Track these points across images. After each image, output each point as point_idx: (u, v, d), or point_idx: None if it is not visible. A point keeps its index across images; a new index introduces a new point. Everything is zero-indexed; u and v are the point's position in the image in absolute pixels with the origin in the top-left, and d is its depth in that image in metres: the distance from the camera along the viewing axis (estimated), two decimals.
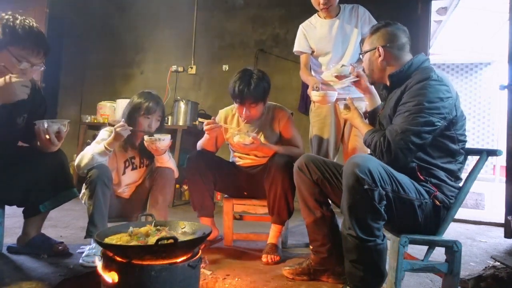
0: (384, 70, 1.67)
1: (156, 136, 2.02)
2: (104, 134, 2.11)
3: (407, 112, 1.46)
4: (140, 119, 2.09)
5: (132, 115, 2.10)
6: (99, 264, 1.28)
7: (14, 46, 1.64)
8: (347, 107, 1.79)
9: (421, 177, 1.48)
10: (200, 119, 2.29)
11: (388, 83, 1.69)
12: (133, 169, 2.19)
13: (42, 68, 1.77)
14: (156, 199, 2.09)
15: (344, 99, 1.84)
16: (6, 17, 1.67)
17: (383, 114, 1.67)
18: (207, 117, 2.26)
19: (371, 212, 1.35)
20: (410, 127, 1.43)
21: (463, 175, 1.56)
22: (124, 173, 2.16)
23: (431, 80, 1.47)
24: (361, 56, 1.78)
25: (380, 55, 1.64)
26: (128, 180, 2.19)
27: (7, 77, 1.59)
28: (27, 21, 1.70)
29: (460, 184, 1.56)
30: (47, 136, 1.73)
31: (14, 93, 1.61)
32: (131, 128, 2.00)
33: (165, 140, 2.02)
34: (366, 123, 1.76)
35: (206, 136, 2.29)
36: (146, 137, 2.02)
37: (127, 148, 2.14)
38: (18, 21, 1.67)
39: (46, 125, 1.72)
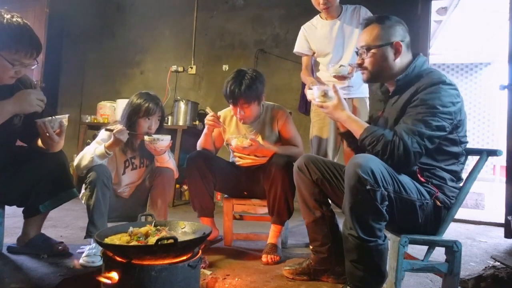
0: (394, 68, 1.56)
1: (156, 136, 2.02)
2: (104, 134, 2.12)
3: (420, 114, 1.41)
4: (141, 121, 2.09)
5: (132, 117, 2.09)
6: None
7: (6, 51, 1.58)
8: (324, 94, 1.56)
9: (422, 179, 1.48)
10: (208, 109, 2.29)
11: (387, 84, 1.65)
12: (133, 169, 2.19)
13: (35, 65, 1.70)
14: (155, 200, 2.09)
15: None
16: None
17: (384, 117, 1.62)
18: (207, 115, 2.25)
19: (372, 213, 1.35)
20: (425, 131, 1.39)
21: (463, 175, 1.57)
22: (124, 173, 2.16)
23: (445, 84, 1.44)
24: (364, 50, 1.58)
25: (397, 52, 1.54)
26: (128, 180, 2.19)
27: (26, 91, 1.59)
28: (14, 19, 1.60)
29: (461, 184, 1.55)
30: (47, 134, 1.71)
31: (31, 106, 1.62)
32: (129, 131, 2.00)
33: (164, 140, 2.02)
34: (355, 117, 1.57)
35: (204, 132, 2.31)
36: (146, 137, 2.02)
37: (127, 149, 2.14)
38: (5, 21, 1.58)
39: (45, 122, 1.70)
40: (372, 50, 1.56)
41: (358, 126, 1.51)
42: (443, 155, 1.48)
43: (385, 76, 1.60)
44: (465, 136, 1.52)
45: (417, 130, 1.38)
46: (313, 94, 1.61)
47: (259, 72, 2.25)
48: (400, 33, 1.56)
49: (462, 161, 1.54)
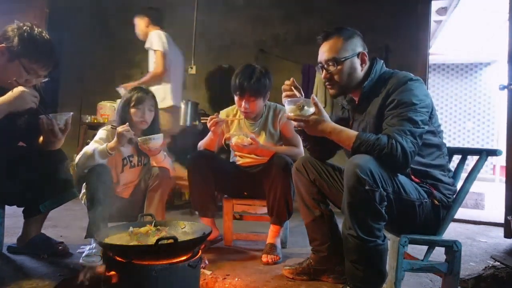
0: (360, 78, 1.57)
1: (148, 136, 2.04)
2: (102, 134, 2.13)
3: (402, 114, 1.41)
4: (132, 111, 2.13)
5: (124, 109, 2.15)
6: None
7: (27, 59, 1.66)
8: (300, 107, 1.46)
9: (416, 180, 1.48)
10: (202, 119, 2.30)
11: (351, 94, 1.65)
12: (131, 167, 2.19)
13: (45, 80, 1.78)
14: (151, 199, 2.09)
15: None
16: (24, 27, 1.68)
17: (356, 125, 1.61)
18: (208, 116, 2.26)
19: (371, 213, 1.35)
20: (415, 129, 1.40)
21: (463, 175, 1.57)
22: (122, 171, 2.17)
23: (412, 80, 1.48)
24: (332, 63, 1.54)
25: (363, 62, 1.57)
26: (126, 179, 2.19)
27: (19, 88, 1.61)
28: (43, 33, 1.71)
29: (455, 181, 1.58)
30: (52, 129, 1.72)
31: (25, 103, 1.63)
32: (134, 132, 2.01)
33: (155, 139, 2.04)
34: (340, 127, 1.49)
35: (210, 135, 2.31)
36: (139, 138, 2.04)
37: (126, 147, 2.14)
38: (35, 33, 1.68)
39: (51, 118, 1.71)
40: (341, 63, 1.54)
41: (347, 135, 1.45)
42: (427, 149, 1.50)
43: (352, 86, 1.59)
44: (440, 125, 1.56)
45: (407, 129, 1.39)
46: (287, 106, 1.49)
47: (268, 69, 2.29)
48: (361, 43, 1.59)
49: (446, 153, 1.57)
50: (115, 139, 1.96)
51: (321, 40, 1.60)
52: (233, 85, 2.23)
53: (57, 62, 1.76)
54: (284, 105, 1.55)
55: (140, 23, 3.60)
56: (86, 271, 1.33)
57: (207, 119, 2.22)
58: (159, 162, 2.16)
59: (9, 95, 1.61)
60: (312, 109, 1.46)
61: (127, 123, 2.02)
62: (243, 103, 2.23)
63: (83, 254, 1.85)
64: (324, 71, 1.58)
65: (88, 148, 1.98)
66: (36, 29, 1.70)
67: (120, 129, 1.95)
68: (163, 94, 3.39)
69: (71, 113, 1.81)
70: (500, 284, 1.68)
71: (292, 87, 1.58)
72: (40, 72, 1.71)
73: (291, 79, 1.61)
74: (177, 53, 3.66)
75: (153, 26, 3.55)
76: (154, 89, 3.23)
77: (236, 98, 2.27)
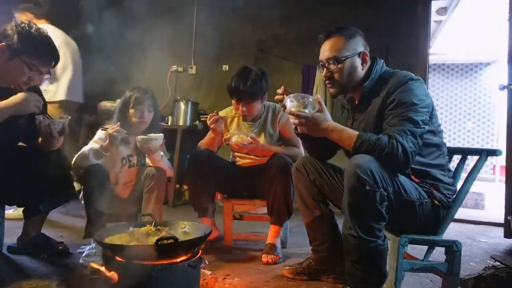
0: (360, 78, 1.57)
1: (149, 136, 2.04)
2: (101, 134, 2.13)
3: (403, 114, 1.41)
4: (131, 112, 2.13)
5: (123, 110, 2.15)
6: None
7: (27, 55, 1.67)
8: (304, 105, 1.45)
9: (416, 180, 1.48)
10: (202, 117, 2.31)
11: (352, 94, 1.65)
12: (130, 166, 2.19)
13: (47, 76, 1.81)
14: (148, 200, 2.09)
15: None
16: (22, 25, 1.70)
17: (356, 124, 1.61)
18: (207, 115, 2.26)
19: (372, 213, 1.35)
20: (416, 129, 1.40)
21: (463, 175, 1.57)
22: (121, 171, 2.17)
23: (412, 80, 1.48)
24: (333, 62, 1.55)
25: (364, 62, 1.57)
26: (125, 178, 2.19)
27: (22, 93, 1.64)
28: (41, 30, 1.73)
29: (455, 181, 1.58)
30: (49, 131, 1.73)
31: (28, 108, 1.67)
32: (126, 131, 2.01)
33: (157, 140, 2.04)
34: (341, 126, 1.50)
35: (210, 134, 2.31)
36: (138, 137, 2.04)
37: (124, 147, 2.14)
38: (33, 30, 1.70)
39: (50, 123, 1.72)
40: (341, 62, 1.54)
41: (349, 135, 1.44)
42: (427, 148, 1.50)
43: (352, 86, 1.59)
44: (440, 125, 1.57)
45: (407, 129, 1.39)
46: (287, 103, 1.48)
47: (264, 71, 2.28)
48: (363, 43, 1.58)
49: (446, 152, 1.58)
50: (107, 140, 1.97)
51: (322, 39, 1.60)
52: (230, 88, 2.22)
53: (58, 58, 1.77)
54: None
55: (23, 19, 3.28)
56: (86, 271, 1.33)
57: (207, 117, 2.22)
58: (155, 162, 2.15)
59: (12, 99, 1.63)
60: (314, 110, 1.46)
61: (118, 123, 2.02)
62: (240, 106, 2.23)
63: (83, 254, 1.85)
64: (324, 69, 1.59)
65: (84, 149, 1.99)
66: (34, 26, 1.72)
67: (110, 130, 1.95)
68: (56, 88, 3.30)
69: (69, 117, 1.82)
70: (500, 284, 1.68)
71: (285, 96, 1.56)
72: (42, 68, 1.72)
73: (282, 87, 1.60)
74: (74, 46, 3.52)
75: (38, 20, 3.27)
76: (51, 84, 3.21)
77: (233, 101, 2.27)
